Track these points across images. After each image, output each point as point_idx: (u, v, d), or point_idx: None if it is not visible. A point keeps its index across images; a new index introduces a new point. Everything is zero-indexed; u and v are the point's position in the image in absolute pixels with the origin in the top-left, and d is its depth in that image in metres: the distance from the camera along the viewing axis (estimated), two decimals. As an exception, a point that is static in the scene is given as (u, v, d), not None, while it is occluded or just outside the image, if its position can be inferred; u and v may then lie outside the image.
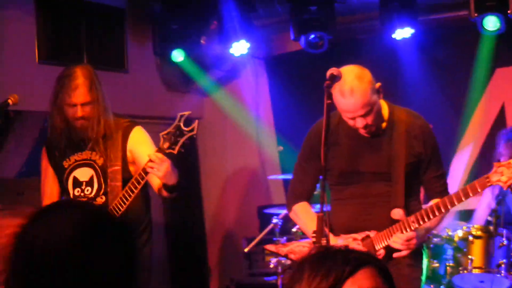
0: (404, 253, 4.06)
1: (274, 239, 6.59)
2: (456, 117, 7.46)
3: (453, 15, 7.17)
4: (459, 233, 5.99)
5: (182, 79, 8.25)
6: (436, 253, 6.08)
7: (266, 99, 8.77)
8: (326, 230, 3.62)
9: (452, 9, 7.12)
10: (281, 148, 7.83)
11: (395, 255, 4.07)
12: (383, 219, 4.13)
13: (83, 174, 4.68)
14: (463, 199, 3.91)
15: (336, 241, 4.14)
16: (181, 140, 4.26)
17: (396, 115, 4.22)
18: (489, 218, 6.10)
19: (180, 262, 8.49)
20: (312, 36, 6.89)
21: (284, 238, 6.56)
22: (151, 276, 4.81)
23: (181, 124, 4.27)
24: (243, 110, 8.67)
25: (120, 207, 4.41)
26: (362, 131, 4.13)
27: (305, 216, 4.37)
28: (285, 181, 7.28)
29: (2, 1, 6.63)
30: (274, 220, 6.63)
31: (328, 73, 3.80)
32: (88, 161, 4.67)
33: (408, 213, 4.09)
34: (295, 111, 8.14)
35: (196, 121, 4.30)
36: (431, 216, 3.99)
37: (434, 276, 6.03)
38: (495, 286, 5.71)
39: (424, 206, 4.18)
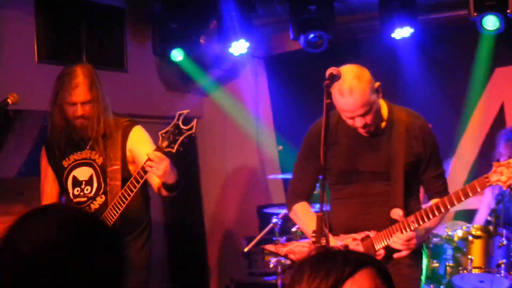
0: (404, 253, 4.06)
1: (274, 238, 6.59)
2: (455, 117, 7.46)
3: (452, 15, 7.17)
4: (459, 233, 5.99)
5: (181, 78, 8.26)
6: (436, 253, 6.08)
7: (266, 99, 8.77)
8: (326, 230, 3.62)
9: (452, 9, 7.12)
10: (280, 147, 7.83)
11: (395, 255, 4.07)
12: (382, 218, 4.12)
13: (82, 173, 4.68)
14: (462, 199, 3.91)
15: (336, 241, 4.14)
16: (180, 139, 4.25)
17: (396, 114, 4.21)
18: (489, 218, 6.10)
19: (180, 262, 8.49)
20: (312, 35, 6.89)
21: (284, 237, 6.57)
22: (150, 275, 4.82)
23: (180, 123, 4.27)
24: (243, 110, 8.67)
25: (119, 206, 4.41)
26: (361, 131, 4.12)
27: (305, 215, 4.37)
28: (285, 181, 7.28)
29: (2, 1, 6.64)
30: (274, 220, 6.63)
31: (328, 72, 3.80)
32: (87, 161, 4.67)
33: (407, 213, 4.09)
34: (295, 110, 8.14)
35: (195, 120, 4.29)
36: (431, 216, 3.99)
37: (434, 276, 6.03)
38: (495, 286, 5.71)
39: (423, 206, 4.18)
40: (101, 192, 4.61)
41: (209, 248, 8.79)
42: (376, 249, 4.09)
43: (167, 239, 8.45)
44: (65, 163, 4.70)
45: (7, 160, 6.87)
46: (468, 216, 6.51)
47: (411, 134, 4.17)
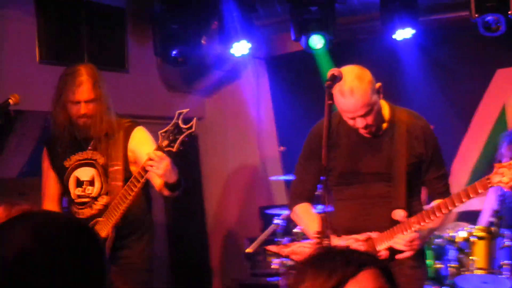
0: (407, 254, 4.05)
1: (276, 239, 6.59)
2: (457, 118, 7.45)
3: (453, 16, 7.18)
4: (462, 234, 5.98)
5: (183, 79, 8.26)
6: (439, 254, 6.08)
7: (268, 100, 8.76)
8: (328, 231, 3.61)
9: (453, 10, 7.12)
10: (282, 148, 7.82)
11: (397, 256, 4.07)
12: (383, 219, 4.12)
13: (84, 173, 4.68)
14: (464, 200, 3.91)
15: (338, 242, 4.14)
16: (180, 138, 4.24)
17: (397, 115, 4.21)
18: (492, 219, 6.09)
19: (182, 263, 8.49)
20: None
21: (286, 238, 6.56)
22: (152, 276, 4.82)
23: (180, 122, 4.26)
24: (244, 111, 8.67)
25: (120, 206, 4.41)
26: (362, 132, 4.12)
27: (306, 216, 4.37)
28: (287, 182, 7.28)
29: (3, 1, 6.64)
30: (276, 221, 6.63)
31: (329, 73, 3.80)
32: (89, 161, 4.67)
33: (409, 214, 4.08)
34: (297, 111, 8.14)
35: (195, 119, 4.28)
36: (433, 217, 3.98)
37: (436, 277, 6.02)
38: (498, 287, 5.71)
39: (426, 207, 4.17)
40: (103, 192, 4.61)
41: (211, 249, 8.79)
42: (378, 250, 4.08)
43: (169, 240, 8.44)
44: (67, 164, 4.71)
45: (8, 161, 6.87)
46: (471, 217, 6.49)
47: (412, 135, 4.17)
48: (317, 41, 6.92)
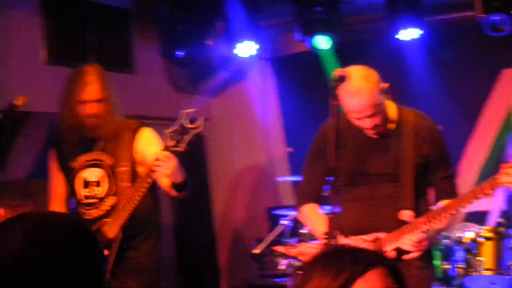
0: (414, 254, 4.05)
1: (284, 240, 6.59)
2: (463, 118, 7.44)
3: (459, 16, 7.17)
4: (470, 235, 5.96)
5: (189, 80, 8.27)
6: (446, 255, 6.06)
7: (274, 100, 8.76)
8: (336, 231, 3.62)
9: (458, 10, 7.12)
10: (290, 149, 7.82)
11: (405, 257, 4.07)
12: (390, 220, 4.12)
13: (92, 174, 4.69)
14: (472, 201, 3.90)
15: (346, 242, 4.14)
16: (187, 138, 4.25)
17: (404, 116, 4.22)
18: (500, 220, 6.08)
19: (189, 264, 8.49)
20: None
21: (294, 239, 6.56)
22: (160, 277, 4.82)
23: (186, 122, 4.26)
24: (251, 111, 8.67)
25: (128, 206, 4.42)
26: (369, 132, 4.13)
27: (314, 217, 4.37)
28: (294, 183, 7.27)
29: (9, 3, 6.66)
30: (284, 221, 6.63)
31: (334, 74, 3.81)
32: (97, 162, 4.68)
33: (417, 214, 4.08)
34: (304, 112, 8.13)
35: (202, 118, 4.28)
36: (441, 218, 3.98)
37: (444, 278, 6.01)
38: (506, 288, 5.70)
39: (433, 208, 4.17)
40: (111, 193, 4.62)
41: (218, 249, 8.78)
42: (386, 250, 4.08)
43: (177, 240, 8.44)
44: (74, 165, 4.72)
45: (16, 162, 6.87)
46: (479, 218, 6.48)
47: (419, 135, 4.17)
48: (322, 42, 6.92)
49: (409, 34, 6.79)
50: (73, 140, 4.68)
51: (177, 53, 7.48)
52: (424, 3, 6.78)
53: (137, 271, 4.63)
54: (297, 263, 5.76)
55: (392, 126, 4.18)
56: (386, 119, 4.13)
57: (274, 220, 7.36)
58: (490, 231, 5.93)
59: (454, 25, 7.38)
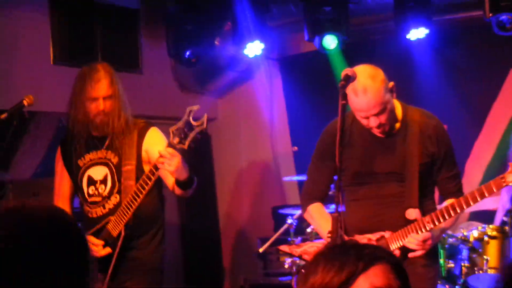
0: (419, 253, 4.06)
1: (289, 239, 6.59)
2: (470, 118, 7.43)
3: (467, 15, 7.15)
4: (475, 234, 5.96)
5: (196, 80, 8.27)
6: (452, 254, 6.06)
7: (281, 100, 8.77)
8: (341, 231, 3.62)
9: (467, 9, 7.10)
10: (295, 148, 7.82)
11: (410, 255, 4.07)
12: (396, 219, 4.12)
13: (97, 172, 4.69)
14: (478, 199, 3.90)
15: (351, 241, 4.14)
16: (191, 135, 4.25)
17: (410, 115, 4.21)
18: (505, 219, 6.07)
19: (195, 262, 8.50)
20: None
21: (299, 238, 6.57)
22: (163, 276, 4.82)
23: (191, 119, 4.26)
24: (257, 111, 8.68)
25: (132, 204, 4.43)
26: (375, 131, 4.12)
27: (319, 217, 4.37)
28: (300, 182, 7.28)
29: (17, 3, 6.67)
30: (289, 221, 6.63)
31: (343, 73, 3.80)
32: (103, 160, 4.69)
33: (422, 213, 4.08)
34: (310, 111, 8.14)
35: (205, 115, 4.28)
36: (447, 217, 3.98)
37: (449, 276, 6.00)
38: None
39: (438, 207, 4.17)
40: (115, 191, 4.63)
41: (223, 249, 8.80)
42: (391, 249, 4.08)
43: (182, 240, 8.46)
44: (81, 163, 4.73)
45: (22, 162, 6.90)
46: (484, 217, 6.48)
47: (425, 134, 4.17)
48: (330, 41, 6.92)
49: (417, 33, 6.78)
50: (82, 138, 4.69)
51: (184, 53, 7.48)
52: (433, 2, 6.76)
53: (141, 270, 4.63)
54: (301, 262, 5.78)
55: (398, 125, 4.17)
56: (392, 118, 4.12)
57: (279, 219, 7.36)
58: (495, 229, 5.92)
59: (462, 24, 7.36)
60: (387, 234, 4.11)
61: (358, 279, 1.92)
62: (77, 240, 1.88)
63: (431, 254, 4.18)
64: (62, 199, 4.83)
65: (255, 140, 8.81)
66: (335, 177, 3.77)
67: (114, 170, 4.65)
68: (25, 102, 4.63)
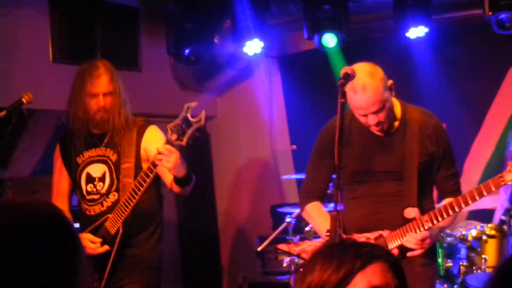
0: (417, 252, 4.06)
1: (287, 238, 6.59)
2: (469, 116, 7.43)
3: (467, 14, 7.14)
4: (473, 233, 5.96)
5: (195, 78, 8.27)
6: (450, 253, 6.06)
7: (280, 98, 8.77)
8: (339, 229, 3.62)
9: (466, 8, 7.09)
10: (294, 147, 7.82)
11: (408, 254, 4.07)
12: (395, 218, 4.12)
13: (96, 170, 4.69)
14: (477, 198, 3.91)
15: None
16: (189, 131, 4.25)
17: (409, 113, 4.21)
18: (503, 218, 6.07)
19: (193, 261, 8.50)
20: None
21: (297, 237, 6.56)
22: (161, 275, 4.82)
23: (188, 115, 4.27)
24: (256, 109, 8.68)
25: (130, 201, 4.43)
26: (374, 129, 4.12)
27: (318, 215, 4.37)
28: (299, 181, 7.28)
29: (17, 1, 6.67)
30: (287, 219, 6.63)
31: (342, 72, 3.80)
32: (102, 157, 4.69)
33: (421, 212, 4.08)
34: (309, 110, 8.14)
35: (203, 111, 4.28)
36: (445, 216, 3.98)
37: (447, 276, 6.01)
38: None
39: (437, 206, 4.17)
40: (113, 189, 4.63)
41: (222, 247, 8.80)
42: (390, 248, 4.08)
43: (180, 238, 8.46)
44: (79, 160, 4.72)
45: (21, 159, 6.90)
46: (482, 216, 6.48)
47: (424, 133, 4.17)
48: (330, 40, 6.92)
49: (416, 32, 6.78)
50: (80, 136, 4.69)
51: (184, 51, 7.47)
52: (432, 1, 6.76)
53: (138, 268, 4.63)
54: (300, 261, 5.78)
55: (397, 123, 4.17)
56: (391, 116, 4.12)
57: (277, 218, 7.37)
58: (493, 229, 5.93)
59: (461, 23, 7.36)
60: (385, 233, 4.11)
61: (356, 277, 1.93)
62: (73, 237, 1.88)
63: (430, 253, 4.18)
64: (60, 197, 4.83)
65: (254, 138, 8.81)
66: (334, 176, 3.77)
67: (112, 167, 4.65)
68: (24, 100, 4.63)
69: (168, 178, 4.56)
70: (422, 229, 4.02)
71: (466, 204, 3.93)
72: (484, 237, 5.89)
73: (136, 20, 7.75)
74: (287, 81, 8.73)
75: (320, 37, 6.92)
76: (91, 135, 4.69)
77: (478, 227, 6.00)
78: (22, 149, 6.89)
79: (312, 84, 8.31)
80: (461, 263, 5.97)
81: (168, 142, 4.27)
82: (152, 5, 7.82)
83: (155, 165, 4.33)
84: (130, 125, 4.66)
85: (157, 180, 4.68)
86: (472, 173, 7.14)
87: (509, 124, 7.18)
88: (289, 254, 5.84)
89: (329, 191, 4.55)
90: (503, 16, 6.30)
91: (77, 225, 4.73)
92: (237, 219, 8.83)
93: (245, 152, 8.88)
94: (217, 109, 8.81)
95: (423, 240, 4.02)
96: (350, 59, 4.32)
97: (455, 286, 5.99)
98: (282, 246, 4.81)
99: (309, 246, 4.41)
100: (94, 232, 4.56)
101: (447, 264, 6.02)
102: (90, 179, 4.70)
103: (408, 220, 4.07)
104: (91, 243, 4.50)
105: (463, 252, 6.02)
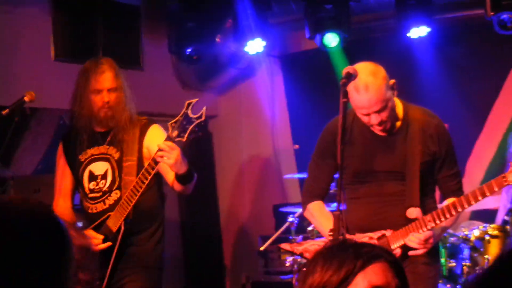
0: (420, 251, 4.05)
1: (290, 237, 6.59)
2: (471, 116, 7.43)
3: (468, 14, 7.15)
4: (476, 233, 5.96)
5: (197, 77, 8.27)
6: (453, 253, 6.06)
7: (282, 98, 8.77)
8: (343, 229, 3.62)
9: (468, 8, 7.10)
10: (297, 146, 7.82)
11: (410, 253, 4.07)
12: (397, 218, 4.12)
13: (98, 168, 4.70)
14: (479, 198, 3.91)
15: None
16: (190, 128, 4.26)
17: (411, 113, 4.21)
18: (506, 218, 6.07)
19: (195, 260, 8.50)
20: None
21: (300, 236, 6.56)
22: (162, 276, 4.81)
23: (189, 112, 4.27)
24: (258, 109, 8.68)
25: (131, 199, 4.43)
26: (376, 129, 4.12)
27: (320, 215, 4.37)
28: (301, 180, 7.28)
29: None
30: (290, 219, 6.63)
31: (344, 71, 3.80)
32: (104, 155, 4.69)
33: (423, 212, 4.08)
34: (311, 109, 8.14)
35: (204, 108, 4.28)
36: (448, 216, 3.98)
37: (450, 276, 6.00)
38: None
39: (439, 205, 4.17)
40: (115, 187, 4.63)
41: (224, 247, 8.79)
42: (392, 248, 4.08)
43: (183, 238, 8.46)
44: (82, 158, 4.73)
45: (23, 158, 6.90)
46: (485, 216, 6.47)
47: (426, 133, 4.16)
48: (331, 39, 6.92)
49: (418, 32, 6.78)
50: (84, 134, 4.69)
51: (186, 50, 7.47)
52: (434, 1, 6.76)
53: (138, 267, 4.63)
54: (303, 260, 5.78)
55: (399, 123, 4.17)
56: (393, 116, 4.12)
57: (280, 217, 7.36)
58: (496, 229, 5.92)
59: (463, 23, 7.37)
60: (388, 232, 4.11)
61: (357, 277, 1.93)
62: (63, 234, 1.88)
63: (432, 253, 4.18)
64: (63, 195, 4.83)
65: (256, 137, 8.81)
66: (336, 176, 3.76)
67: (115, 165, 4.65)
68: (26, 99, 4.63)
69: (169, 177, 4.56)
70: (425, 229, 4.02)
71: (469, 204, 3.93)
72: (487, 237, 5.88)
73: (138, 19, 7.74)
74: (289, 80, 8.73)
75: (322, 37, 6.93)
76: (94, 133, 4.70)
77: (481, 227, 6.00)
78: (24, 147, 6.89)
79: (314, 84, 8.31)
80: (464, 263, 5.97)
81: (169, 138, 4.28)
82: (154, 4, 7.82)
83: (156, 162, 4.33)
84: (134, 122, 4.66)
85: (159, 179, 4.68)
86: (475, 173, 7.14)
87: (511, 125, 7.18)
88: (291, 253, 5.84)
89: (331, 191, 4.55)
90: (504, 16, 6.31)
91: (80, 223, 4.73)
92: (239, 219, 8.83)
93: (247, 152, 8.88)
94: (219, 108, 8.80)
95: (426, 240, 4.02)
96: (352, 59, 4.32)
97: (458, 286, 5.98)
98: (285, 246, 4.81)
99: (311, 246, 4.41)
100: (96, 229, 4.56)
101: (450, 264, 6.02)
102: (92, 176, 4.70)
103: (411, 220, 4.07)
104: (93, 239, 4.50)
105: (466, 252, 6.02)
